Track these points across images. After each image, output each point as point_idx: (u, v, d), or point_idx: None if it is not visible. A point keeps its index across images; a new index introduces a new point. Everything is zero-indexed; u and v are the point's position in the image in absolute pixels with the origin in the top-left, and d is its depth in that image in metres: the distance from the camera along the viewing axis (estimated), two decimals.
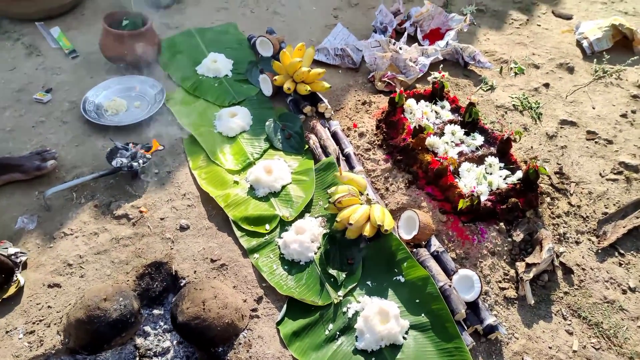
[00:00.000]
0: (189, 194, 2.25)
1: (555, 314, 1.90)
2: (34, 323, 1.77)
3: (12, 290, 1.82)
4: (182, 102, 2.70)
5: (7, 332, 1.74)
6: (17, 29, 3.13)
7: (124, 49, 2.71)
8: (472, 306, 1.84)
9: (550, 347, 1.80)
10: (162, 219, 2.13)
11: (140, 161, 2.25)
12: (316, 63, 2.92)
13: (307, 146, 2.44)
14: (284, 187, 2.26)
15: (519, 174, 2.15)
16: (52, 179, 2.24)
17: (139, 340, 1.82)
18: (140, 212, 2.14)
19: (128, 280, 1.91)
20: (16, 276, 1.85)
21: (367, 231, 1.94)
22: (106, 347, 1.71)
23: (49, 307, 1.82)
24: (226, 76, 2.85)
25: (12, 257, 1.89)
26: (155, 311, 1.91)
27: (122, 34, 2.70)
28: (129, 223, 2.11)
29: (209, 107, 2.67)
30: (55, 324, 1.78)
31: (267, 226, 2.10)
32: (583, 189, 2.29)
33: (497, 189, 2.12)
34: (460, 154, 2.26)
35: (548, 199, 2.22)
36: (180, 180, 2.30)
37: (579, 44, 3.13)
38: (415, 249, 1.98)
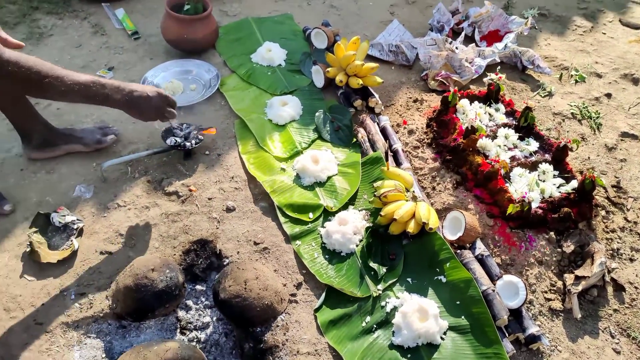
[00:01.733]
0: (236, 177, 2.29)
1: (603, 331, 1.83)
2: (85, 286, 1.85)
3: (66, 253, 1.91)
4: (236, 88, 2.75)
5: (61, 291, 1.83)
6: (84, 8, 3.27)
7: (183, 32, 2.79)
8: (515, 314, 1.79)
9: None
10: (209, 198, 2.19)
11: (193, 142, 2.31)
12: (369, 58, 2.92)
13: (355, 139, 2.44)
14: (329, 177, 2.27)
15: (574, 184, 2.08)
16: (109, 152, 2.34)
17: (181, 313, 1.87)
18: (190, 190, 2.21)
19: (174, 255, 1.97)
20: (71, 240, 1.94)
21: (412, 228, 1.92)
22: (150, 316, 1.77)
23: (100, 272, 1.91)
24: (279, 66, 2.88)
25: (70, 223, 1.99)
26: (198, 287, 1.97)
27: (182, 18, 2.77)
28: (179, 200, 2.17)
29: (261, 94, 2.72)
30: (104, 289, 1.86)
31: (311, 214, 2.12)
32: None
33: (550, 197, 2.05)
34: (513, 158, 2.21)
35: (603, 212, 2.14)
36: (229, 163, 2.35)
37: None
38: (459, 250, 1.95)
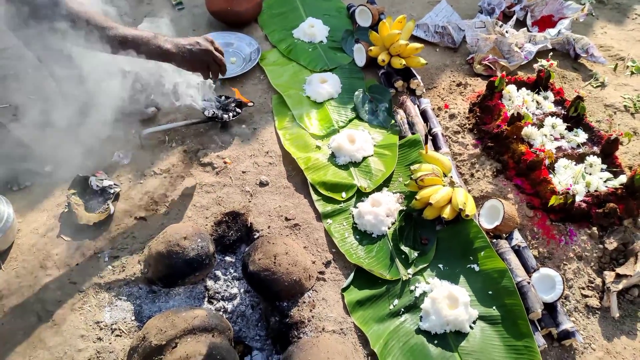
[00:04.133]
0: (271, 152, 2.29)
1: None
2: (119, 249, 1.90)
3: (102, 216, 1.95)
4: (276, 62, 2.73)
5: (95, 253, 1.88)
6: None
7: (227, 5, 2.78)
8: (550, 308, 1.73)
9: None
10: (243, 172, 2.19)
11: (231, 114, 2.31)
12: (414, 38, 2.83)
13: (393, 121, 2.39)
14: (365, 158, 2.23)
15: (622, 179, 1.97)
16: (149, 120, 2.37)
17: (209, 282, 1.90)
18: (225, 162, 2.21)
19: (206, 225, 1.98)
20: (107, 204, 1.98)
21: (447, 213, 1.87)
22: (180, 283, 1.79)
23: (133, 237, 1.94)
24: (321, 42, 2.84)
25: (107, 188, 2.03)
26: (228, 258, 1.98)
27: None
28: (213, 172, 2.18)
29: (301, 70, 2.69)
30: (137, 253, 1.89)
31: (344, 194, 2.10)
32: None
33: (595, 191, 1.96)
34: (559, 149, 2.11)
35: None
36: (265, 138, 2.35)
37: None
38: (494, 240, 1.89)
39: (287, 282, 1.74)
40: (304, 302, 1.78)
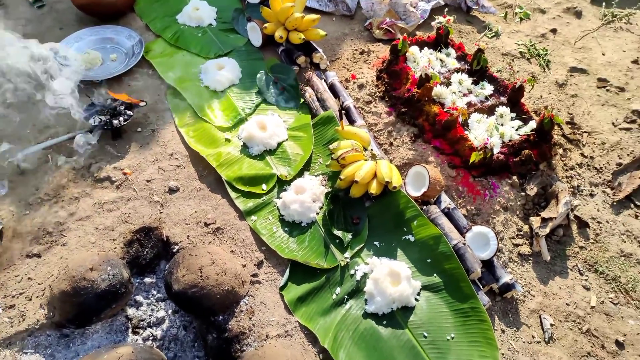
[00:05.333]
0: (176, 153, 2.07)
1: (572, 270, 1.81)
2: (13, 297, 1.61)
3: None
4: (163, 53, 2.47)
5: None
6: None
7: None
8: (487, 264, 1.73)
9: (567, 304, 1.72)
10: (148, 181, 1.96)
11: (121, 119, 2.05)
12: (308, 10, 2.70)
13: (302, 100, 2.26)
14: (279, 144, 2.09)
15: (532, 124, 2.01)
16: (23, 139, 2.03)
17: (130, 311, 1.68)
18: (124, 174, 1.96)
19: (115, 248, 1.75)
20: None
21: (374, 188, 1.79)
22: (95, 320, 1.57)
23: (29, 279, 1.67)
24: (210, 25, 2.61)
25: None
26: (147, 279, 1.77)
27: None
28: (113, 186, 1.93)
29: (193, 59, 2.45)
30: (37, 297, 1.63)
31: (264, 186, 1.95)
32: (596, 139, 2.17)
33: (510, 140, 1.98)
34: (469, 104, 2.11)
35: (560, 151, 2.10)
36: (167, 139, 2.12)
37: None
38: (424, 207, 1.85)
39: (219, 294, 1.58)
40: (242, 311, 1.63)
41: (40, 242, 1.75)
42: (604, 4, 2.78)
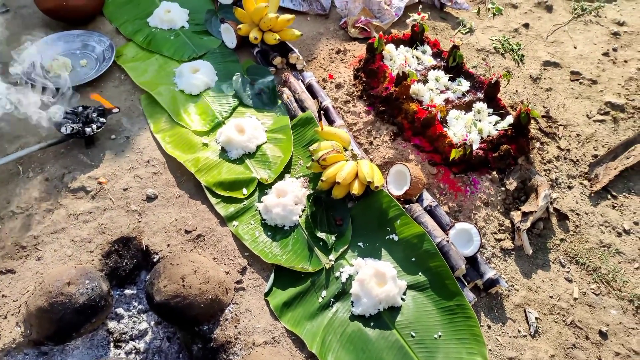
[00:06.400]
0: (153, 160, 2.02)
1: (553, 262, 1.84)
2: None
3: None
4: (136, 58, 2.41)
5: None
6: None
7: None
8: (470, 260, 1.74)
9: (551, 297, 1.74)
10: (125, 189, 1.91)
11: (94, 126, 1.99)
12: (282, 10, 2.67)
13: (280, 101, 2.23)
14: (259, 147, 2.06)
15: (510, 119, 2.03)
16: None
17: (111, 325, 1.64)
18: (99, 183, 1.91)
19: (93, 260, 1.70)
20: None
21: (356, 189, 1.78)
22: (75, 335, 1.52)
23: (3, 296, 1.61)
24: (182, 28, 2.56)
25: None
26: (127, 291, 1.72)
27: None
28: (88, 196, 1.87)
29: (167, 62, 2.40)
30: (12, 314, 1.57)
31: (245, 190, 1.92)
32: (571, 131, 2.21)
33: (488, 136, 2.00)
34: (447, 101, 2.11)
35: (538, 144, 2.13)
36: (142, 146, 2.06)
37: None
38: (407, 205, 1.85)
39: (203, 304, 1.55)
40: (227, 320, 1.60)
41: (14, 257, 1.69)
42: None
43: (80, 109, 2.02)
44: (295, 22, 2.47)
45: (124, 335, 1.64)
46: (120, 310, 1.68)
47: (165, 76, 2.32)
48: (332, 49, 2.50)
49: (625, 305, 1.73)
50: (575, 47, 2.59)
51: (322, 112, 2.13)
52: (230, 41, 2.46)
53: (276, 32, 2.35)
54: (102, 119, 2.02)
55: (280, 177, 1.97)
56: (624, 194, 2.03)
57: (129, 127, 2.12)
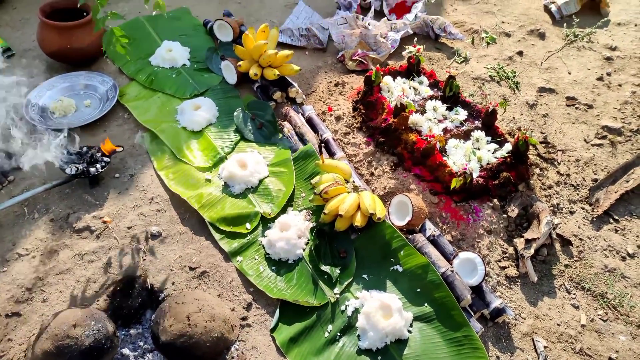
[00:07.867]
0: (157, 197, 2.04)
1: (559, 289, 1.83)
2: None
3: None
4: (138, 97, 2.46)
5: None
6: None
7: (66, 42, 2.43)
8: (476, 289, 1.74)
9: (558, 324, 1.72)
10: (129, 227, 1.92)
11: (98, 166, 2.02)
12: (280, 45, 2.73)
13: (281, 135, 2.27)
14: (261, 181, 2.08)
15: (508, 147, 2.05)
16: None
17: None
18: (104, 222, 1.92)
19: (98, 301, 1.70)
20: None
21: (359, 221, 1.79)
22: None
23: (9, 340, 1.60)
24: (184, 66, 2.62)
25: None
26: (133, 331, 1.72)
27: (63, 25, 2.42)
28: (92, 236, 1.88)
29: (169, 100, 2.45)
30: (18, 359, 1.56)
31: (248, 225, 1.93)
32: (570, 156, 2.23)
33: (488, 164, 2.02)
34: (445, 130, 2.14)
35: (537, 170, 2.15)
36: (146, 184, 2.09)
37: (546, 9, 3.06)
38: (410, 235, 1.86)
39: (209, 342, 1.54)
40: (233, 358, 1.60)
41: (19, 299, 1.69)
42: (565, 24, 2.89)
43: (85, 149, 2.05)
44: (294, 56, 2.53)
45: None
46: (126, 351, 1.67)
47: (167, 114, 2.36)
48: (330, 82, 2.55)
49: (634, 330, 1.72)
50: (569, 73, 2.63)
51: (322, 144, 2.16)
52: (231, 78, 2.51)
53: (275, 67, 2.40)
54: (106, 159, 2.05)
55: (283, 210, 1.98)
56: (625, 217, 2.03)
57: (132, 165, 2.15)
